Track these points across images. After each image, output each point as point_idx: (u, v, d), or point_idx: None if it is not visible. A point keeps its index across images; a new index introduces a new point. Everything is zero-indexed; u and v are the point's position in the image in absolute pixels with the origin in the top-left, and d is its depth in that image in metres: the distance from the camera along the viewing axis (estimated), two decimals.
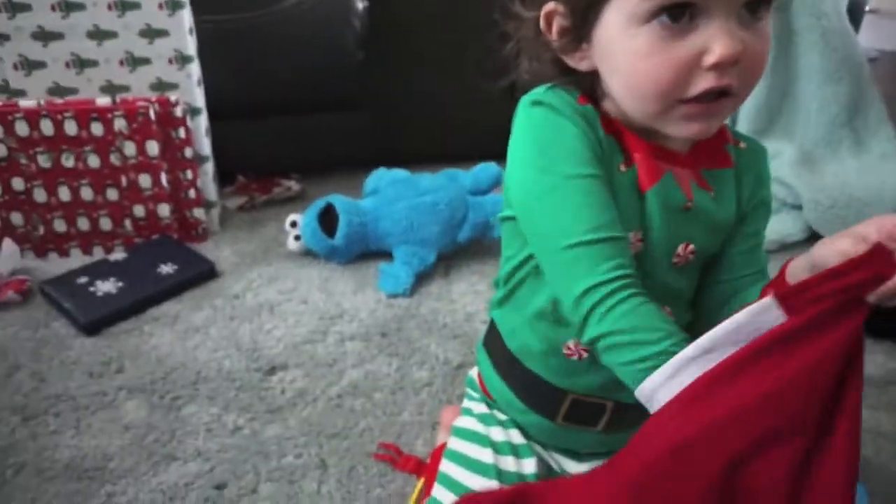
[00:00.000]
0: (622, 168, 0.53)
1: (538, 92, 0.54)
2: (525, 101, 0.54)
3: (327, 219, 1.21)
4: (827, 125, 1.47)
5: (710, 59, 0.44)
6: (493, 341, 0.68)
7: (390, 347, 1.02)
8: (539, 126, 0.52)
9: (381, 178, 1.30)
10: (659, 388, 0.45)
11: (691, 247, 0.56)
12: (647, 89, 0.47)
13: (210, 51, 1.24)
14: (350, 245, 1.19)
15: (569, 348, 0.60)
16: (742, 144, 0.58)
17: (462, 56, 1.49)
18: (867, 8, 1.94)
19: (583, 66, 0.53)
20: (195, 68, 1.19)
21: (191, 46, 1.17)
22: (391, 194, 1.23)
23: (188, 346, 1.01)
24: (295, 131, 1.43)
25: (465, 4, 1.41)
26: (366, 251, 1.22)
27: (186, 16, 1.15)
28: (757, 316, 0.42)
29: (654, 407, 0.46)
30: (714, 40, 0.44)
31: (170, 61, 1.17)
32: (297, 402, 0.91)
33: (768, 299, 0.42)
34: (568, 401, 0.63)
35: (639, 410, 0.48)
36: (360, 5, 1.33)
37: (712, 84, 0.46)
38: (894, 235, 0.41)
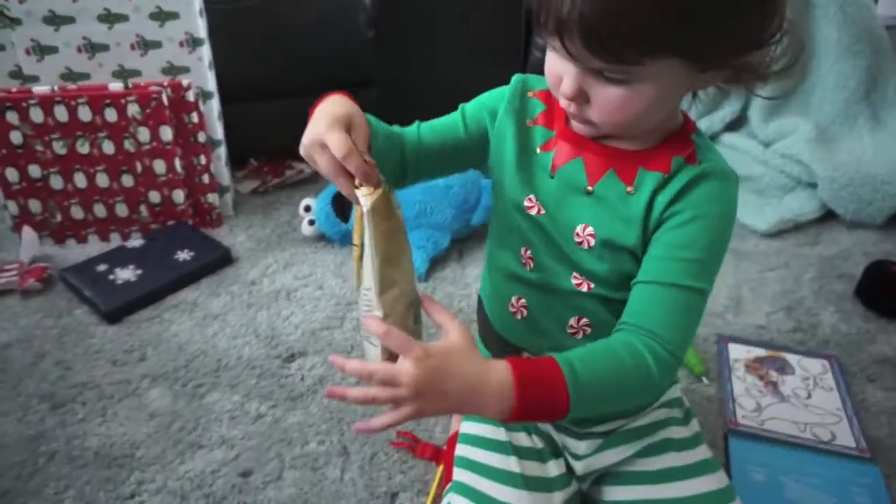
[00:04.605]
0: (538, 151, 0.60)
1: (529, 76, 0.62)
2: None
3: (340, 202, 1.21)
4: (844, 101, 1.45)
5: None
6: (479, 304, 0.73)
7: None
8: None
9: None
10: None
11: (590, 229, 0.58)
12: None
13: (221, 33, 1.22)
14: None
15: (512, 305, 0.64)
16: (699, 163, 0.56)
17: (473, 32, 1.47)
18: None
19: None
20: (206, 51, 1.18)
21: (202, 29, 1.16)
22: None
23: (207, 333, 1.03)
24: (307, 112, 1.42)
25: None
26: None
27: None
28: None
29: None
30: (566, 76, 0.52)
31: (181, 44, 1.16)
32: (318, 388, 0.93)
33: None
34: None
35: None
36: None
37: (562, 102, 0.54)
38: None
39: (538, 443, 0.68)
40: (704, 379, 0.94)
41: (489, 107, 0.63)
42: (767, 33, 0.50)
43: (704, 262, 0.54)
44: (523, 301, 0.64)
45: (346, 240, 1.21)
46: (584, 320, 0.61)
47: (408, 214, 1.20)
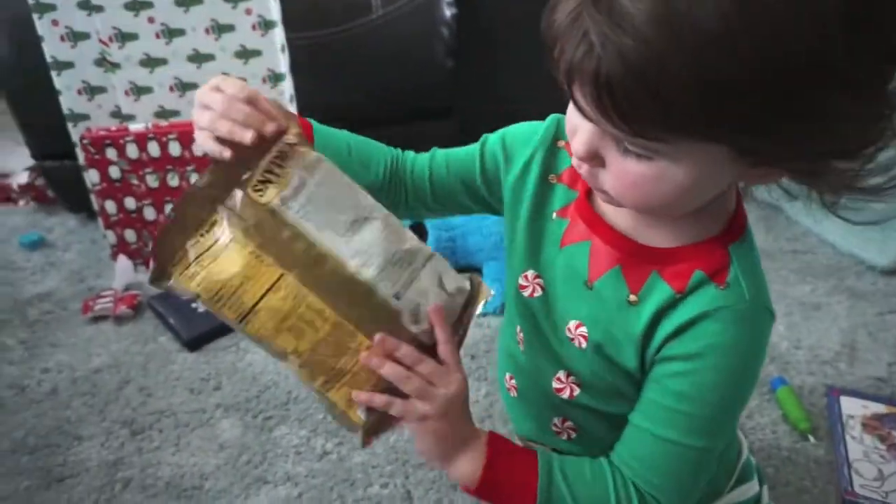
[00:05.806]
0: (554, 216, 0.51)
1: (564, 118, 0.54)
2: None
3: (416, 233, 1.19)
4: None
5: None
6: None
7: (479, 371, 0.99)
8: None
9: None
10: None
11: (583, 329, 0.48)
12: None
13: (302, 66, 1.25)
14: None
15: (507, 381, 0.58)
16: (726, 286, 0.43)
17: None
18: None
19: None
20: (287, 85, 1.21)
21: (283, 64, 1.19)
22: None
23: (280, 364, 1.03)
24: (385, 141, 1.43)
25: None
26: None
27: (278, 34, 1.17)
28: None
29: None
30: (580, 131, 0.41)
31: (263, 80, 1.19)
32: None
33: None
34: (520, 443, 0.61)
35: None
36: (448, 13, 1.30)
37: (574, 160, 0.44)
38: None
39: None
40: (811, 437, 0.83)
41: (509, 146, 0.53)
42: (863, 142, 0.36)
43: (709, 419, 0.44)
44: (514, 381, 0.57)
45: None
46: (569, 423, 0.53)
47: (484, 245, 1.16)
